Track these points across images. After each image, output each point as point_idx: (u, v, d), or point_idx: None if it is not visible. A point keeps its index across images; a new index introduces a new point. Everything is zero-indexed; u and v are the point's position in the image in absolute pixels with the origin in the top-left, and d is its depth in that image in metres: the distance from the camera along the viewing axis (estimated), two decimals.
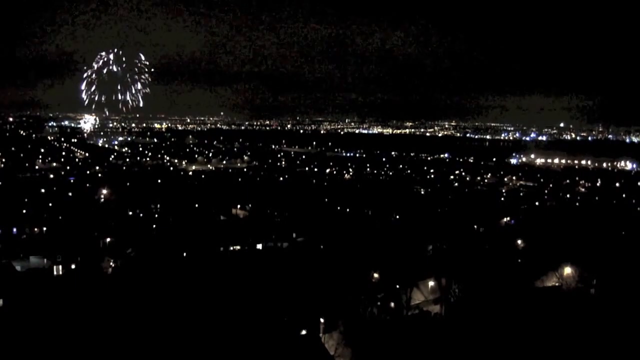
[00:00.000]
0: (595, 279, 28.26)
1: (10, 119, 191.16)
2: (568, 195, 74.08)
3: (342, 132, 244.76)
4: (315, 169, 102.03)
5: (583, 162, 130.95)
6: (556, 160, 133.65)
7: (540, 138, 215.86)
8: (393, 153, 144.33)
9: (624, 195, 73.38)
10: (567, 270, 29.21)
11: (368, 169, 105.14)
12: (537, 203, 64.69)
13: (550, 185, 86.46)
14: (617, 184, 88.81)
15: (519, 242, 37.19)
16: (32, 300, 23.46)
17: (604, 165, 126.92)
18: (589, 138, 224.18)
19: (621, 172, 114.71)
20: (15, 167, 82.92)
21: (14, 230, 39.08)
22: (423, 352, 20.03)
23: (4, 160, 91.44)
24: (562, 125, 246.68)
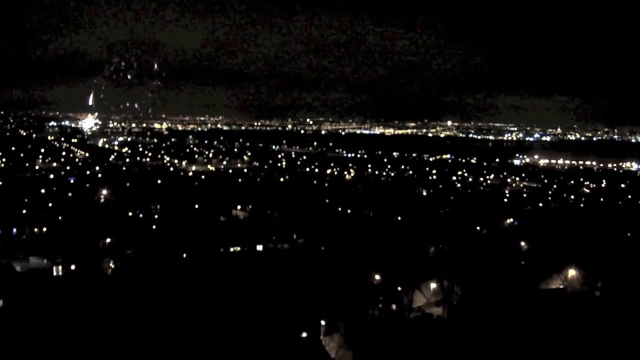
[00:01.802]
0: (600, 281, 27.89)
1: (11, 119, 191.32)
2: (572, 197, 73.34)
3: (343, 133, 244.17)
4: (316, 170, 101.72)
5: (587, 162, 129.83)
6: (560, 161, 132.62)
7: (544, 138, 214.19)
8: (395, 154, 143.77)
9: (629, 197, 72.67)
10: (572, 273, 28.84)
11: (369, 170, 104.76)
12: (540, 204, 64.05)
13: (554, 186, 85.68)
14: (623, 185, 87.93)
15: (523, 243, 36.74)
16: (32, 301, 23.38)
17: (609, 165, 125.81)
18: (594, 138, 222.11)
19: (627, 173, 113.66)
20: (16, 167, 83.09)
21: (14, 230, 39.03)
22: (425, 354, 19.76)
23: (4, 160, 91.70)
24: (566, 125, 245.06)
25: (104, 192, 55.94)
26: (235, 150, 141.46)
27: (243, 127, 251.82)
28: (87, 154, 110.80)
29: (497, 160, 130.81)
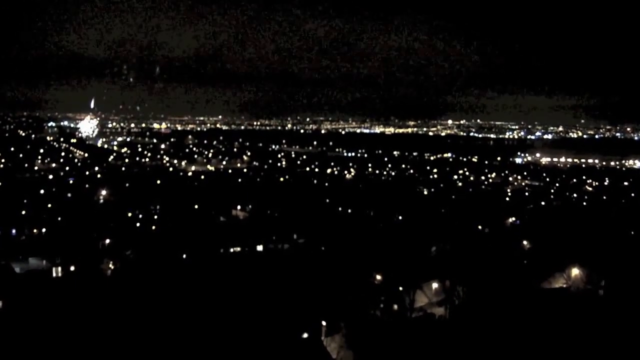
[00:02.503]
0: (603, 280, 27.63)
1: (10, 119, 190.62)
2: (575, 195, 72.94)
3: (343, 132, 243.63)
4: (316, 169, 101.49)
5: (590, 160, 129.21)
6: (562, 159, 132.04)
7: (545, 136, 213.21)
8: (395, 153, 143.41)
9: (632, 194, 72.31)
10: (575, 272, 28.56)
11: (370, 169, 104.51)
12: (543, 203, 63.69)
13: (557, 185, 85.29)
14: (625, 183, 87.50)
15: (525, 242, 36.45)
16: (31, 302, 23.22)
17: (612, 163, 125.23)
18: (596, 136, 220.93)
19: (629, 171, 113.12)
20: (15, 168, 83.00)
21: (13, 231, 38.88)
22: (427, 355, 19.53)
23: (3, 160, 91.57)
24: (567, 123, 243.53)
25: (103, 192, 55.75)
26: (235, 150, 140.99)
27: (242, 127, 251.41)
28: (86, 155, 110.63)
29: (499, 158, 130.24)
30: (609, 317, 21.96)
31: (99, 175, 76.49)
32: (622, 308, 22.79)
